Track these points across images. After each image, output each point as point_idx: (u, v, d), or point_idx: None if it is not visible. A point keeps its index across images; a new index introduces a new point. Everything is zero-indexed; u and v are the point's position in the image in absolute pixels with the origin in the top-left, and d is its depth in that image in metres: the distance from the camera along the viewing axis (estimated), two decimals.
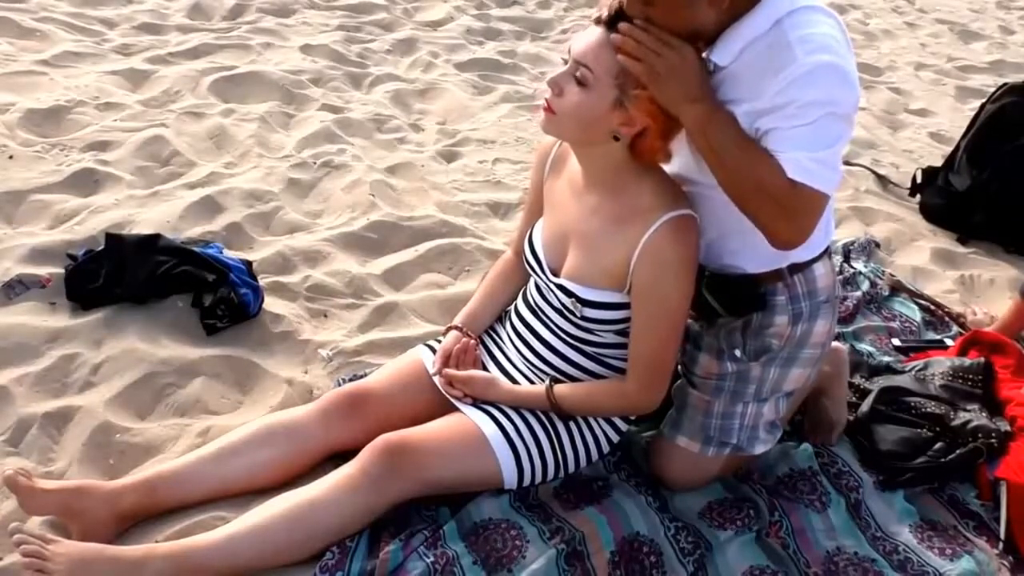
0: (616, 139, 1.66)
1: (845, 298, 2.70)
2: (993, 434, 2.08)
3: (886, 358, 2.44)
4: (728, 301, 1.81)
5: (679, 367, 1.93)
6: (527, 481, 1.82)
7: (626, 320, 1.77)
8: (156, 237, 2.43)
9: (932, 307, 2.77)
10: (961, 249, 3.25)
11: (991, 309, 2.77)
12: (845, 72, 1.51)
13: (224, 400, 2.10)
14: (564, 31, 4.99)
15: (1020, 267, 3.15)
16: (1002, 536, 1.93)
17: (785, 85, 1.50)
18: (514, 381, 1.89)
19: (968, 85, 5.09)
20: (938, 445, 2.07)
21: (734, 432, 1.88)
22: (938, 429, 2.12)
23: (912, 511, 1.96)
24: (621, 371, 1.82)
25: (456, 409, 1.85)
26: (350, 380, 2.07)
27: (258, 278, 2.42)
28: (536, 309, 1.90)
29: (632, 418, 1.96)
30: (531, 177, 1.98)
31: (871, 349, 2.49)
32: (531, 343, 1.90)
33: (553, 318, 1.86)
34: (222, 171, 3.01)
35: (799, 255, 1.76)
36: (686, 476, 1.93)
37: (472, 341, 1.95)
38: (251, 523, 1.63)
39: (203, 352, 2.19)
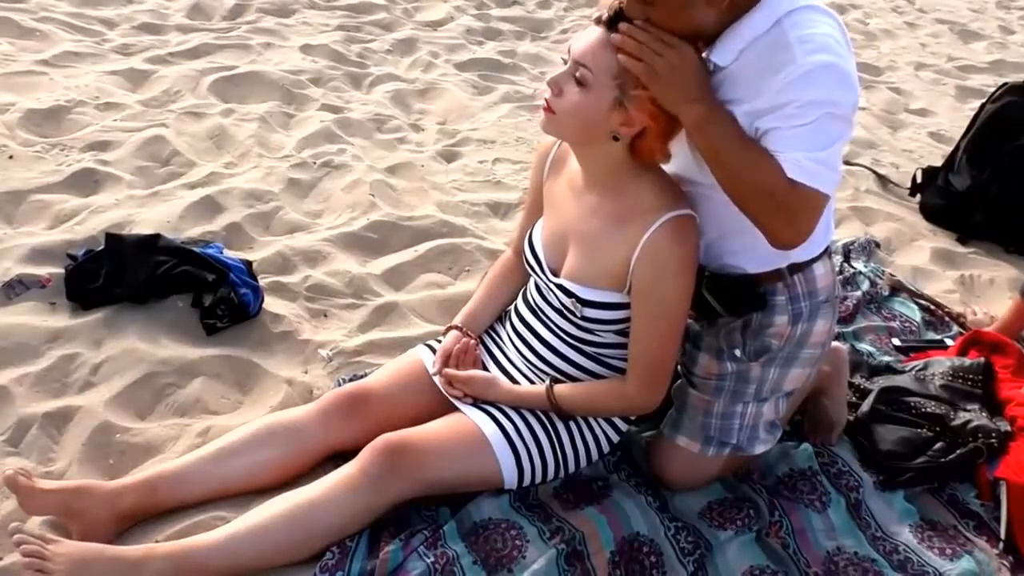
0: (616, 139, 1.66)
1: (845, 298, 2.70)
2: (993, 434, 2.08)
3: (886, 358, 2.44)
4: (728, 301, 1.81)
5: (679, 367, 1.93)
6: (527, 481, 1.83)
7: (626, 320, 1.77)
8: (156, 237, 2.43)
9: (932, 307, 2.77)
10: (961, 249, 3.25)
11: (991, 309, 2.77)
12: (845, 72, 1.51)
13: (224, 400, 2.10)
14: (564, 31, 4.99)
15: (1020, 267, 3.15)
16: (1002, 536, 1.93)
17: (785, 85, 1.50)
18: (514, 381, 1.89)
19: (968, 85, 5.09)
20: (938, 445, 2.07)
21: (734, 432, 1.88)
22: (938, 429, 2.12)
23: (912, 511, 1.96)
24: (621, 371, 1.82)
25: (456, 409, 1.85)
26: (350, 380, 2.07)
27: (258, 278, 2.42)
28: (536, 309, 1.90)
29: (632, 418, 1.96)
30: (531, 177, 1.98)
31: (871, 349, 2.49)
32: (531, 343, 1.90)
33: (553, 318, 1.86)
34: (222, 171, 3.01)
35: (799, 255, 1.76)
36: (686, 476, 1.93)
37: (472, 341, 1.95)
38: (251, 523, 1.63)
39: (203, 352, 2.19)
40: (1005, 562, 1.86)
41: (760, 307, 1.80)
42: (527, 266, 1.91)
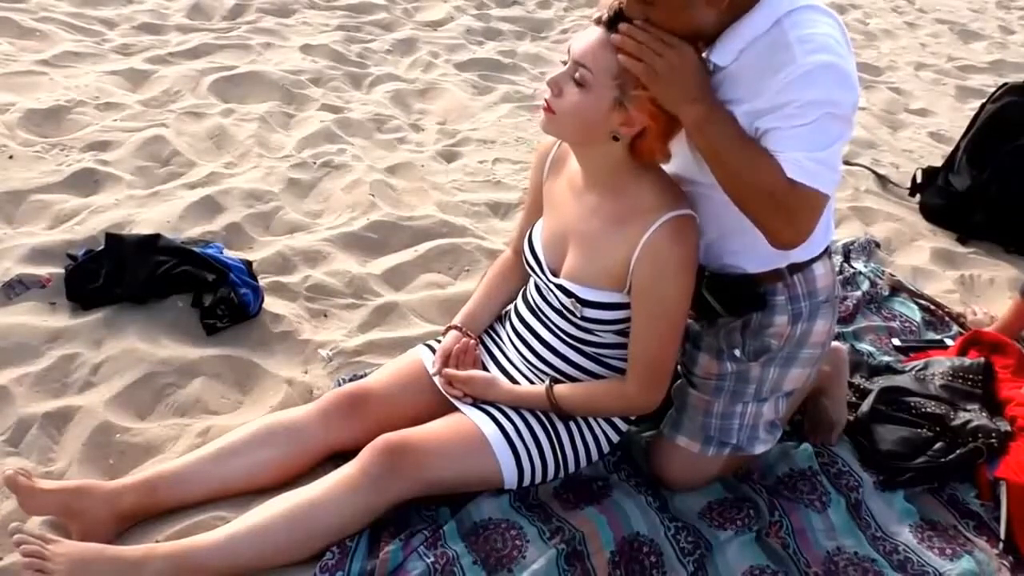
0: (616, 139, 1.66)
1: (845, 298, 2.70)
2: (993, 434, 2.08)
3: (886, 358, 2.44)
4: (728, 301, 1.81)
5: (679, 367, 1.93)
6: (527, 481, 1.83)
7: (626, 320, 1.77)
8: (156, 237, 2.43)
9: (932, 307, 2.77)
10: (961, 249, 3.25)
11: (991, 309, 2.77)
12: (845, 72, 1.51)
13: (224, 400, 2.10)
14: (564, 31, 4.99)
15: (1020, 267, 3.15)
16: (1002, 536, 1.93)
17: (785, 85, 1.50)
18: (514, 381, 1.89)
19: (968, 85, 5.09)
20: (938, 445, 2.07)
21: (734, 432, 1.88)
22: (938, 429, 2.12)
23: (912, 511, 1.96)
24: (621, 371, 1.82)
25: (456, 409, 1.85)
26: (350, 380, 2.07)
27: (258, 278, 2.42)
28: (536, 309, 1.90)
29: (632, 418, 1.96)
30: (531, 177, 1.98)
31: (871, 349, 2.49)
32: (531, 343, 1.90)
33: (553, 318, 1.86)
34: (222, 171, 3.01)
35: (799, 255, 1.76)
36: (686, 476, 1.93)
37: (472, 341, 1.95)
38: (251, 523, 1.63)
39: (203, 352, 2.19)
40: (1005, 562, 1.86)
41: (760, 307, 1.80)
42: (527, 266, 1.91)
